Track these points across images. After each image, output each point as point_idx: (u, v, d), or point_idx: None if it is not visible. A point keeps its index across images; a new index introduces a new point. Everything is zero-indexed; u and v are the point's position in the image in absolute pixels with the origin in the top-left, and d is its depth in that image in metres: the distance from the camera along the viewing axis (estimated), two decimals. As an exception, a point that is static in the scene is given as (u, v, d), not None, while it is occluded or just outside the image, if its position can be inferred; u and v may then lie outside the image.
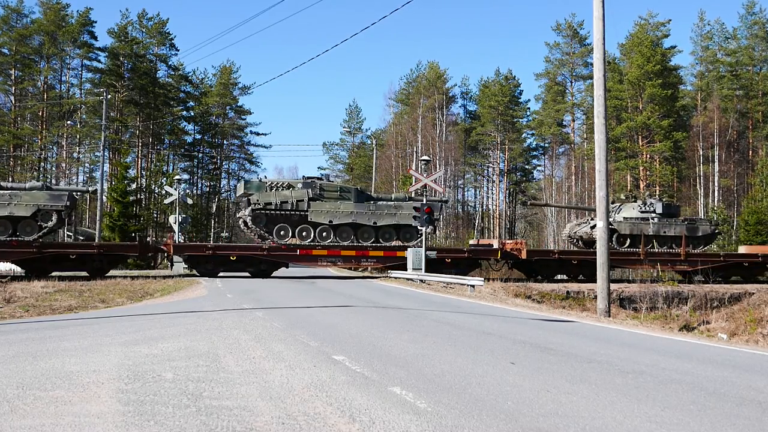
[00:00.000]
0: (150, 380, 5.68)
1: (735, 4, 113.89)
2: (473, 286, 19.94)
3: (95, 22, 61.49)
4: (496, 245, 28.89)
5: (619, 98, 51.69)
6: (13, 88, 52.97)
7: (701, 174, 50.39)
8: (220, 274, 26.53)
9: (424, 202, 25.25)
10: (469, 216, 67.35)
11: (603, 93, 16.10)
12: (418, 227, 26.65)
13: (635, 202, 32.03)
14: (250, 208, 26.68)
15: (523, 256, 27.74)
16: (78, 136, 54.74)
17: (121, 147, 54.06)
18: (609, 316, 15.19)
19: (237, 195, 30.66)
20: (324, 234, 26.81)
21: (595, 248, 29.12)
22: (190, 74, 64.19)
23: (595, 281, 15.61)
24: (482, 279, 21.25)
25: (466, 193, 70.83)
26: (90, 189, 32.08)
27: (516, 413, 4.72)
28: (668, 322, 16.22)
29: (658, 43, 53.99)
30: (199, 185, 65.90)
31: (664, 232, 30.45)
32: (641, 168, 51.79)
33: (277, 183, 27.73)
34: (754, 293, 23.84)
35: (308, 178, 28.41)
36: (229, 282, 22.63)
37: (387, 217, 27.33)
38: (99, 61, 57.44)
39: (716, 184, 50.00)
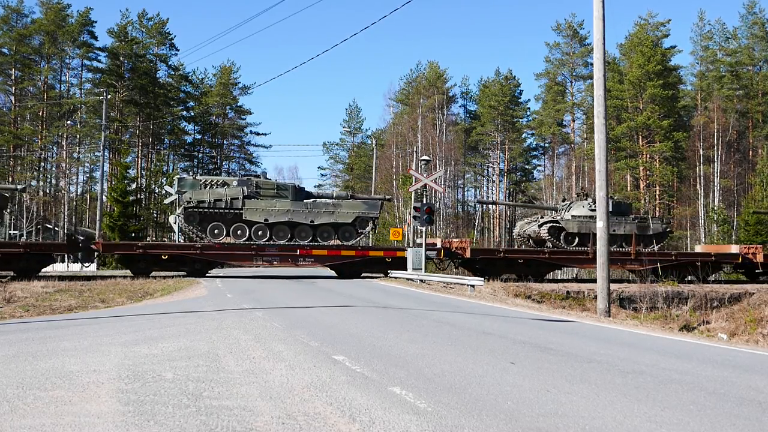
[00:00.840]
0: (150, 380, 5.68)
1: (735, 4, 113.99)
2: (473, 286, 19.95)
3: (95, 22, 61.56)
4: (439, 244, 28.77)
5: (620, 98, 51.71)
6: (13, 88, 52.99)
7: (701, 174, 50.39)
8: (153, 273, 25.80)
9: (371, 199, 25.71)
10: (469, 216, 67.37)
11: (603, 93, 16.10)
12: (359, 230, 26.69)
13: (586, 199, 31.27)
14: (182, 206, 25.91)
15: (467, 254, 27.65)
16: (78, 136, 54.75)
17: (121, 147, 54.08)
18: (609, 316, 15.20)
19: (170, 194, 29.64)
20: (260, 233, 26.07)
21: (545, 247, 29.35)
22: (190, 74, 64.24)
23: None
24: (482, 279, 21.25)
25: (466, 193, 70.90)
26: (19, 187, 31.52)
27: (516, 413, 4.72)
28: (668, 322, 16.22)
29: (658, 43, 54.02)
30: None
31: (614, 230, 29.23)
32: (641, 168, 51.80)
33: (212, 181, 26.91)
34: (754, 293, 23.84)
35: (246, 175, 27.92)
36: (229, 282, 22.63)
37: (325, 215, 26.66)
38: (99, 61, 57.53)
39: (716, 184, 50.00)
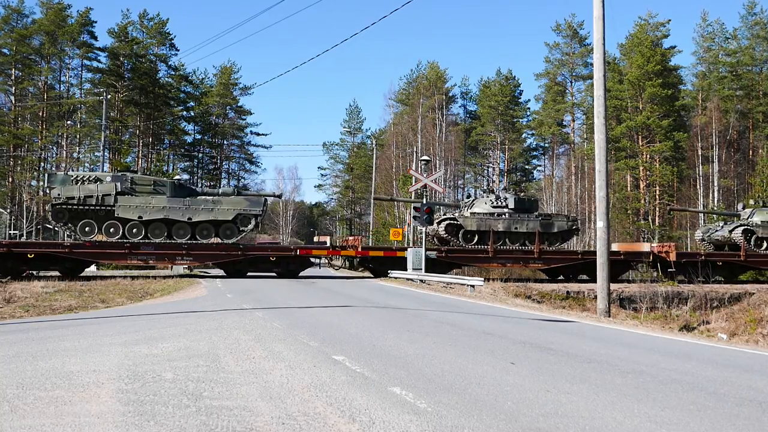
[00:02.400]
0: (150, 380, 5.68)
1: (736, 5, 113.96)
2: (473, 286, 19.95)
3: (95, 22, 61.58)
4: (328, 242, 28.82)
5: (619, 98, 51.67)
6: (13, 88, 52.96)
7: (701, 174, 50.38)
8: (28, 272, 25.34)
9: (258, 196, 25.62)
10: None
11: (603, 93, 16.10)
12: (240, 228, 25.62)
13: (489, 196, 30.45)
14: (51, 203, 25.00)
15: (357, 253, 27.59)
16: (78, 136, 54.74)
17: (121, 147, 54.05)
18: (609, 316, 15.20)
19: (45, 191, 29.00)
20: (134, 230, 24.95)
21: (449, 246, 28.85)
22: (190, 74, 64.23)
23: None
24: (482, 279, 21.26)
25: (466, 193, 70.83)
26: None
27: (516, 413, 4.72)
28: (668, 322, 16.22)
29: (658, 43, 53.98)
30: (199, 185, 65.87)
31: (516, 228, 28.71)
32: (641, 168, 51.78)
33: (83, 177, 25.75)
34: (754, 293, 23.85)
35: (121, 171, 27.15)
36: (229, 282, 22.63)
37: (203, 212, 25.50)
38: (99, 61, 57.48)
39: (716, 184, 49.99)
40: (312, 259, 30.98)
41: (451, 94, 65.99)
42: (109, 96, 45.12)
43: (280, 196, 36.27)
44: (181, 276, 26.28)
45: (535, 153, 70.24)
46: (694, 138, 51.23)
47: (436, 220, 30.21)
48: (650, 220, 50.56)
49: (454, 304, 15.18)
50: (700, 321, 16.76)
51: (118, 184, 25.01)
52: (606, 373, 6.43)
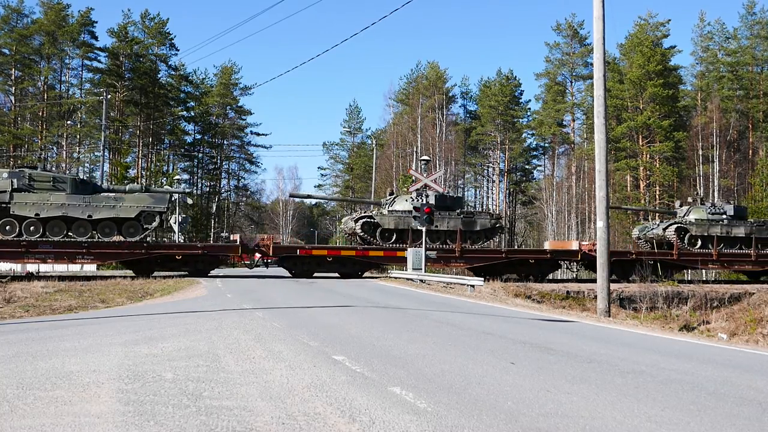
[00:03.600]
0: (150, 380, 5.68)
1: (735, 4, 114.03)
2: (473, 286, 19.95)
3: (96, 22, 61.47)
4: (239, 242, 28.71)
5: (620, 98, 51.68)
6: (13, 88, 53.00)
7: (701, 174, 50.40)
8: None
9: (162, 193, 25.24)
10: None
11: (603, 93, 16.11)
12: (144, 225, 24.88)
13: (411, 194, 29.29)
14: None
15: (270, 252, 27.50)
16: (78, 136, 54.77)
17: (121, 147, 54.09)
18: (609, 316, 15.20)
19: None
20: (32, 228, 24.12)
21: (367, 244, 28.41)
22: (190, 74, 64.24)
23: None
24: (482, 279, 21.26)
25: (466, 193, 70.88)
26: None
27: (516, 413, 4.72)
28: (668, 322, 16.23)
29: (658, 43, 53.99)
30: (199, 185, 65.94)
31: (437, 226, 27.68)
32: (642, 168, 51.79)
33: None
34: (754, 293, 23.85)
35: (19, 167, 26.55)
36: (229, 282, 22.63)
37: (105, 210, 24.64)
38: (99, 61, 57.53)
39: (716, 184, 49.99)
40: (247, 262, 30.53)
41: (451, 94, 66.01)
42: (109, 96, 45.12)
43: (189, 194, 35.24)
44: (181, 276, 26.29)
45: (535, 153, 70.28)
46: (695, 138, 51.25)
47: (353, 218, 29.70)
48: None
49: (454, 304, 15.18)
50: (700, 321, 16.78)
51: (15, 181, 24.20)
52: (606, 373, 6.43)
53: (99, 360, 6.69)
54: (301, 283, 22.46)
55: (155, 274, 25.23)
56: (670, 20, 55.11)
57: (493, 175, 67.85)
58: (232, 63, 67.22)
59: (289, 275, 27.18)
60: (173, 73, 61.64)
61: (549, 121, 62.79)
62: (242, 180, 70.98)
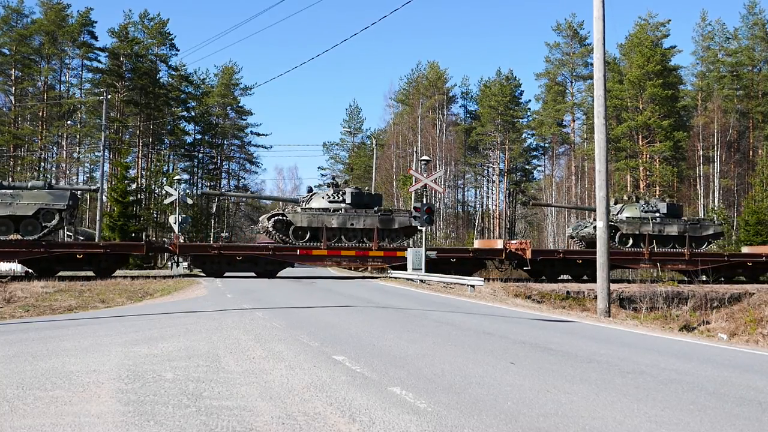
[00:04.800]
0: (150, 380, 5.68)
1: (736, 4, 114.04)
2: (473, 286, 19.95)
3: (95, 22, 61.47)
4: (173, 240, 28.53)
5: (620, 98, 51.70)
6: (13, 88, 52.98)
7: (701, 174, 50.40)
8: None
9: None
10: (469, 216, 67.37)
11: (603, 93, 16.11)
12: (43, 224, 24.48)
13: (328, 190, 29.27)
14: None
15: (178, 251, 27.20)
16: (78, 136, 54.75)
17: (121, 147, 54.05)
18: (609, 316, 15.20)
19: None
20: None
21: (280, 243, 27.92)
22: (191, 75, 64.22)
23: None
24: (482, 279, 21.26)
25: (466, 193, 70.91)
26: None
27: (516, 413, 4.72)
28: (668, 322, 16.23)
29: (658, 43, 54.00)
30: (199, 185, 65.92)
31: (352, 224, 27.46)
32: (641, 168, 51.80)
33: None
34: (754, 293, 23.85)
35: None
36: (229, 282, 22.63)
37: (1, 207, 24.16)
38: (99, 61, 57.48)
39: (716, 184, 50.00)
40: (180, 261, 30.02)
41: (451, 94, 66.03)
42: (109, 96, 45.07)
43: (96, 191, 34.63)
44: (182, 276, 26.30)
45: (535, 153, 70.28)
46: (695, 138, 51.26)
47: (266, 216, 29.23)
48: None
49: (454, 304, 15.19)
50: (700, 321, 16.77)
51: None
52: (606, 373, 6.43)
53: (99, 360, 6.69)
54: (301, 283, 22.46)
55: (60, 273, 24.40)
56: (670, 20, 55.19)
57: (493, 175, 67.86)
58: (232, 63, 67.27)
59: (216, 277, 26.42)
60: (173, 73, 61.63)
61: (549, 121, 62.80)
62: (242, 180, 71.00)
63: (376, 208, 28.71)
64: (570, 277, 28.47)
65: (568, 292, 24.28)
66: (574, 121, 63.39)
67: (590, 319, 13.91)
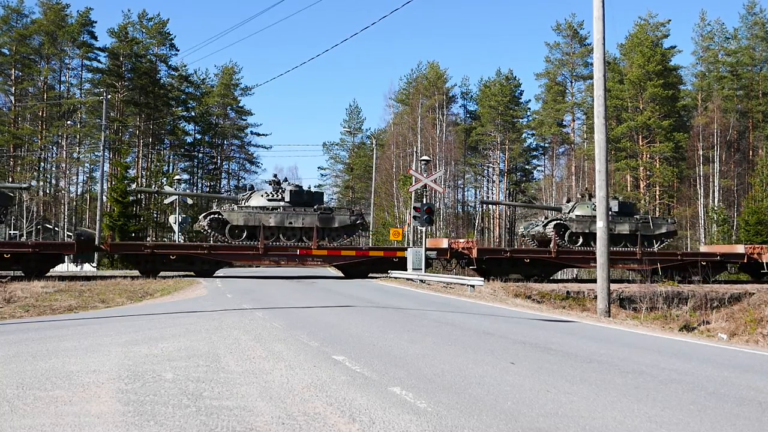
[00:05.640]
0: (150, 380, 5.68)
1: (735, 4, 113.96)
2: (473, 286, 19.95)
3: (95, 22, 61.53)
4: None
5: (620, 98, 51.70)
6: (13, 88, 52.99)
7: (701, 174, 50.39)
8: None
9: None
10: (468, 216, 67.38)
11: (603, 93, 16.10)
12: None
13: (267, 189, 28.77)
14: None
15: (109, 250, 26.99)
16: (78, 136, 54.76)
17: (121, 147, 54.07)
18: (609, 316, 15.19)
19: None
20: None
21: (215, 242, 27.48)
22: (191, 75, 64.24)
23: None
24: (482, 279, 21.25)
25: (466, 193, 70.92)
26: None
27: (516, 413, 4.72)
28: (668, 322, 16.23)
29: (658, 43, 54.01)
30: (199, 185, 65.93)
31: (291, 222, 26.97)
32: (641, 168, 51.80)
33: None
34: (754, 293, 23.85)
35: None
36: (229, 282, 22.63)
37: None
38: (99, 61, 57.52)
39: (716, 184, 50.00)
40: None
41: (451, 94, 66.02)
42: (109, 96, 45.08)
43: (28, 188, 34.06)
44: (182, 276, 26.28)
45: (535, 153, 70.32)
46: (695, 138, 51.24)
47: (203, 215, 28.81)
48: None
49: (454, 304, 15.18)
50: (700, 321, 16.77)
51: None
52: (606, 373, 6.43)
53: (99, 360, 6.69)
54: (301, 283, 22.46)
55: None
56: (670, 20, 55.22)
57: (493, 175, 67.88)
58: (233, 63, 67.32)
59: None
60: (173, 73, 61.65)
61: (549, 121, 62.81)
62: (242, 180, 71.01)
63: (315, 207, 28.22)
64: (522, 277, 27.78)
65: (568, 292, 24.26)
66: (574, 121, 63.41)
67: (590, 319, 13.91)
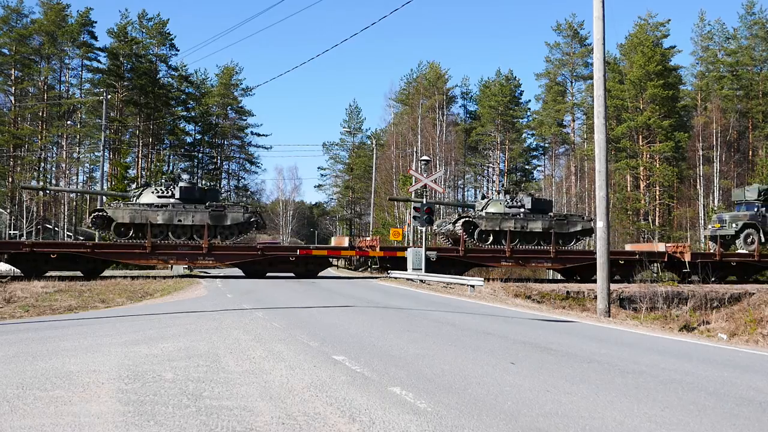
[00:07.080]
0: (150, 380, 5.68)
1: (735, 4, 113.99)
2: (473, 286, 19.94)
3: (95, 22, 61.59)
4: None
5: (620, 98, 51.68)
6: (13, 88, 52.97)
7: (701, 174, 50.37)
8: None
9: None
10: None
11: (603, 93, 16.11)
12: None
13: (159, 185, 27.89)
14: None
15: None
16: (78, 136, 54.75)
17: (121, 147, 54.06)
18: (609, 316, 15.20)
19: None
20: None
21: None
22: (191, 75, 64.24)
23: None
24: (482, 279, 21.25)
25: (466, 193, 70.91)
26: None
27: (516, 413, 4.72)
28: (668, 322, 16.24)
29: (658, 43, 54.00)
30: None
31: (180, 220, 26.04)
32: (641, 168, 51.78)
33: None
34: (754, 293, 23.83)
35: None
36: (229, 282, 22.63)
37: None
38: (99, 61, 57.51)
39: (716, 184, 49.98)
40: None
41: (451, 94, 66.01)
42: (109, 96, 45.08)
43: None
44: (182, 276, 26.28)
45: (535, 153, 70.32)
46: (695, 138, 51.22)
47: (89, 212, 27.74)
48: (650, 220, 50.56)
49: (454, 304, 15.18)
50: (700, 321, 16.78)
51: None
52: (606, 373, 6.43)
53: (99, 360, 6.69)
54: (301, 284, 22.45)
55: None
56: (670, 20, 55.15)
57: (493, 175, 67.86)
58: (233, 64, 67.36)
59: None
60: (173, 73, 61.66)
61: (549, 121, 62.80)
62: (242, 180, 71.05)
63: (207, 204, 26.91)
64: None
65: (568, 292, 24.25)
66: (574, 121, 63.40)
67: (590, 319, 13.91)
